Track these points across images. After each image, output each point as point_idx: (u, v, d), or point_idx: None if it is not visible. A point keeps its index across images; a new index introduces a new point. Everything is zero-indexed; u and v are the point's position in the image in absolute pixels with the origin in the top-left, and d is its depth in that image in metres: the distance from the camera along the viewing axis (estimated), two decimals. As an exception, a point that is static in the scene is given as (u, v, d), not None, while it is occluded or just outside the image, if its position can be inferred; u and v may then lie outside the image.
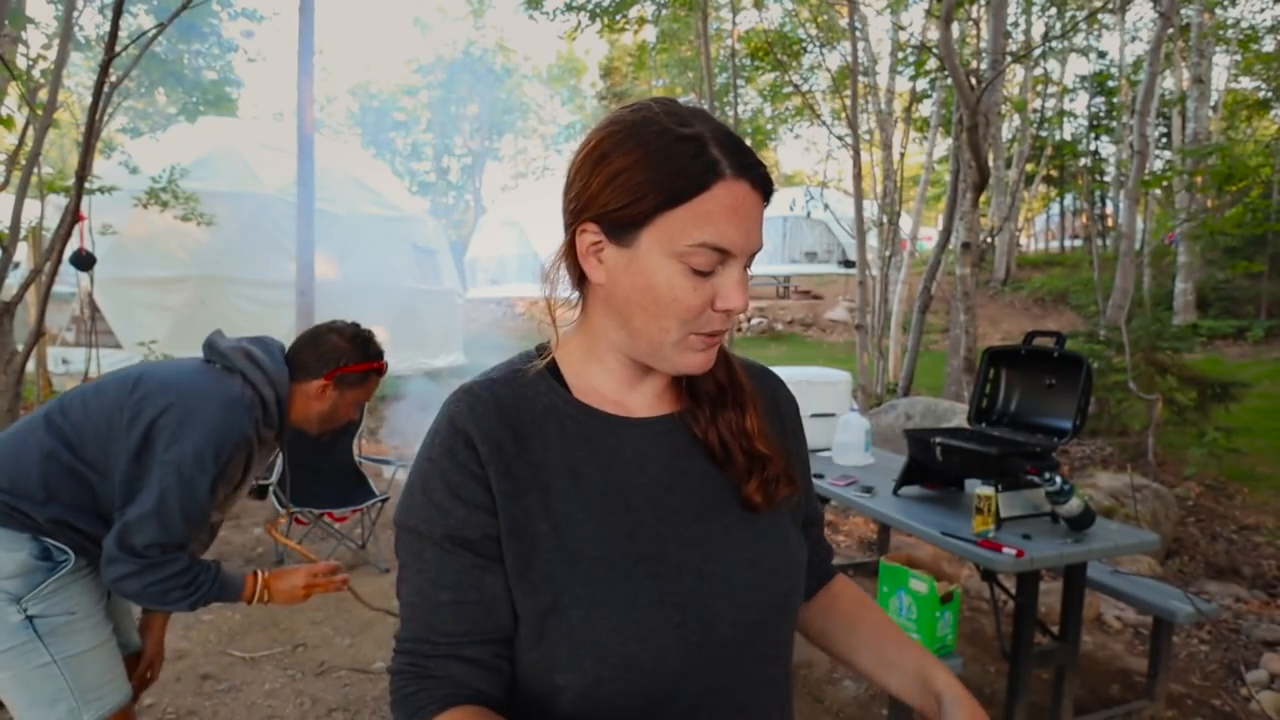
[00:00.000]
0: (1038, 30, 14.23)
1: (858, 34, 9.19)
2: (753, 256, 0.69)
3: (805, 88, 11.53)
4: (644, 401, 0.76)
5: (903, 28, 10.46)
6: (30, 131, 3.66)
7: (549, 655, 0.67)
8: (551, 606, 0.66)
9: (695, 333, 0.68)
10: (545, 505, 0.68)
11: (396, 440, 7.00)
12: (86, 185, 3.52)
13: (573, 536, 0.68)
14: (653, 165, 0.63)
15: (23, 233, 4.49)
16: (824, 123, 10.45)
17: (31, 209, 4.84)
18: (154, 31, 3.43)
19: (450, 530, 0.67)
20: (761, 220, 0.67)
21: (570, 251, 0.70)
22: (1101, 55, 17.01)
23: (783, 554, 0.76)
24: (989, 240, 12.46)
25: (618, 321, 0.70)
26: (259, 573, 1.62)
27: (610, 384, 0.75)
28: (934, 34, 8.08)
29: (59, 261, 3.43)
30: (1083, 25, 11.58)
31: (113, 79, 3.31)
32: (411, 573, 0.70)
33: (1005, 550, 2.05)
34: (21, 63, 4.01)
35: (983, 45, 7.14)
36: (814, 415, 3.32)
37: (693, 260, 0.64)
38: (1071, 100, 17.80)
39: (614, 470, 0.71)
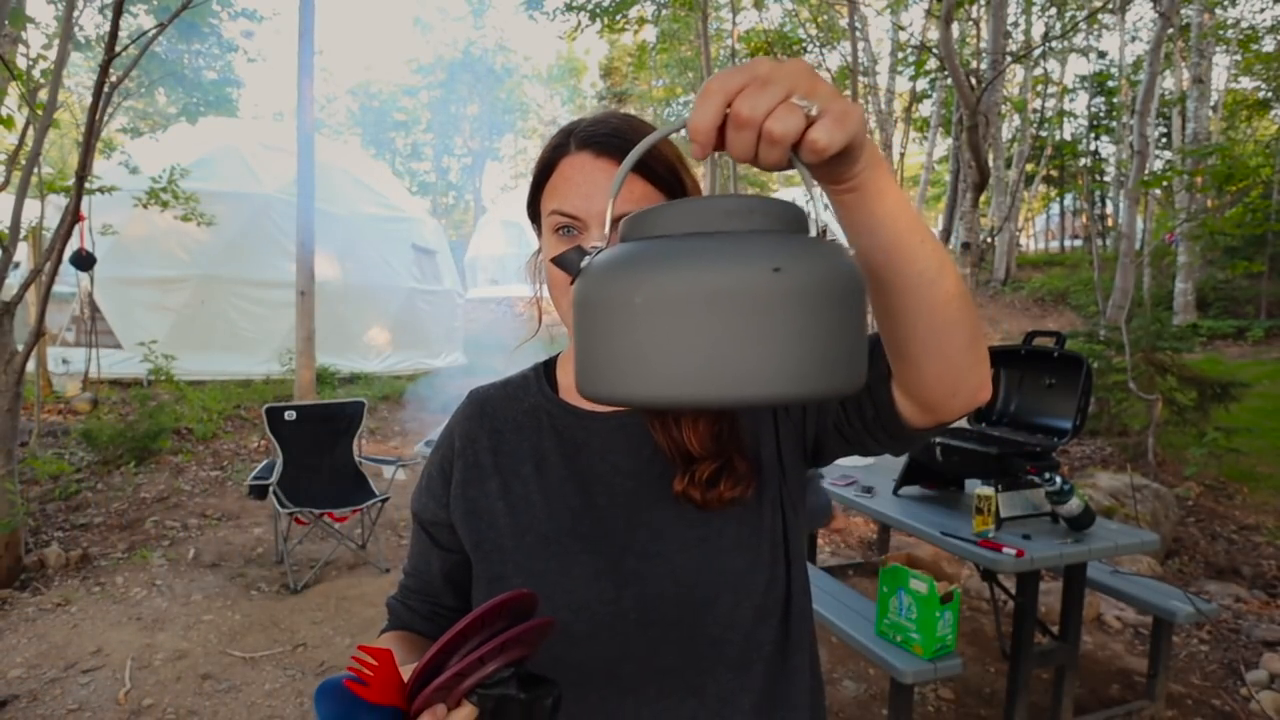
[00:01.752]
0: (1038, 30, 14.24)
1: (858, 34, 9.19)
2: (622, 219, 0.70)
3: (805, 88, 11.52)
4: None
5: (903, 28, 10.46)
6: (30, 131, 3.66)
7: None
8: (498, 574, 0.76)
9: None
10: (505, 488, 0.79)
11: (396, 440, 7.00)
12: (86, 185, 3.52)
13: (526, 515, 0.77)
14: (536, 163, 0.77)
15: (23, 233, 4.49)
16: (824, 123, 10.45)
17: (31, 209, 4.84)
18: (154, 31, 3.43)
19: (419, 511, 0.85)
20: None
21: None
22: (1101, 55, 17.03)
23: (734, 532, 0.74)
24: (989, 240, 12.46)
25: None
26: None
27: None
28: (934, 34, 8.08)
29: (59, 261, 3.43)
30: (1083, 25, 11.58)
31: (113, 79, 3.31)
32: (410, 536, 0.88)
33: (1005, 550, 2.05)
34: (21, 63, 4.00)
35: (983, 45, 7.14)
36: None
37: (555, 227, 0.73)
38: (1071, 100, 17.82)
39: (578, 460, 0.78)
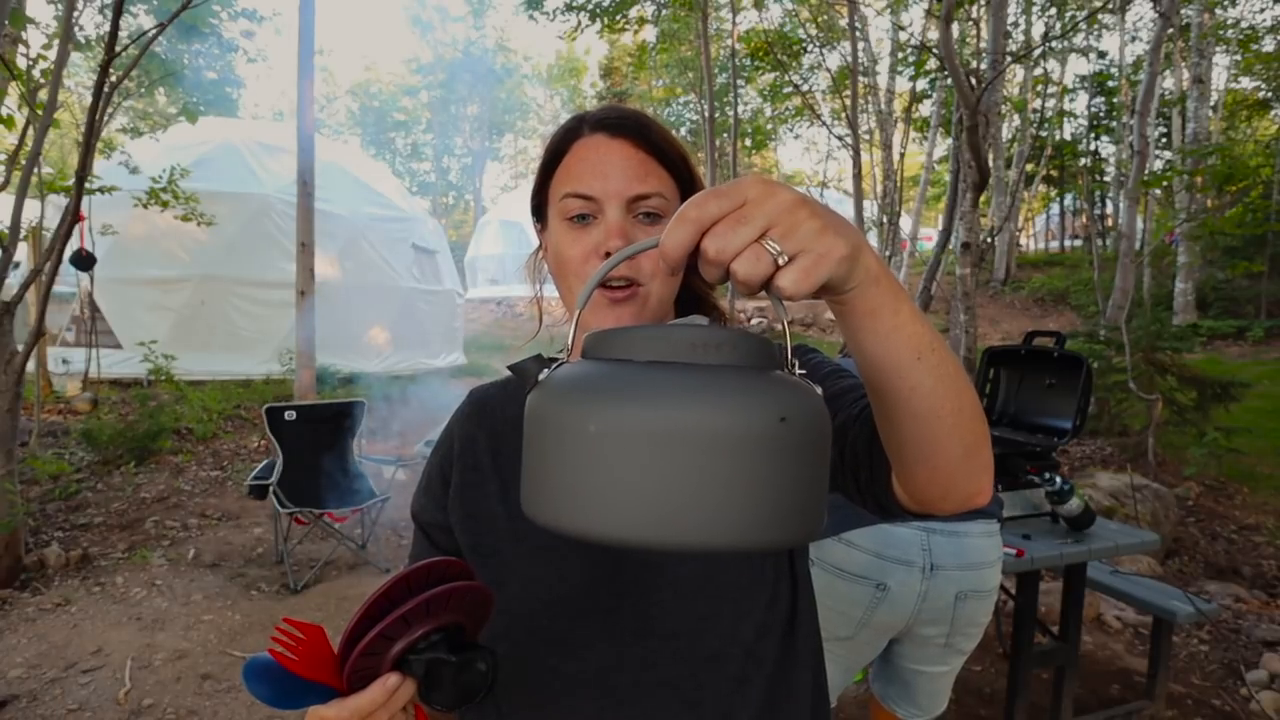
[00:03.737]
0: (1038, 30, 14.24)
1: (858, 34, 9.19)
2: (638, 201, 0.69)
3: (805, 88, 11.53)
4: None
5: (903, 28, 10.46)
6: (30, 131, 3.66)
7: (490, 623, 0.73)
8: (495, 579, 0.72)
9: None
10: (504, 491, 0.76)
11: (396, 440, 7.00)
12: (86, 185, 3.52)
13: (524, 520, 0.73)
14: (544, 152, 0.75)
15: (23, 233, 4.49)
16: (824, 123, 10.46)
17: (31, 209, 4.84)
18: (154, 31, 3.43)
19: (417, 512, 0.82)
20: (632, 164, 0.70)
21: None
22: (1101, 55, 17.03)
23: None
24: (989, 240, 12.46)
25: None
26: None
27: None
28: (934, 34, 8.08)
29: (59, 261, 3.43)
30: (1083, 25, 11.59)
31: (113, 79, 3.31)
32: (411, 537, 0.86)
33: (1005, 550, 2.05)
34: (21, 63, 4.00)
35: (983, 45, 7.13)
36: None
37: (567, 212, 0.71)
38: (1071, 100, 17.82)
39: None
